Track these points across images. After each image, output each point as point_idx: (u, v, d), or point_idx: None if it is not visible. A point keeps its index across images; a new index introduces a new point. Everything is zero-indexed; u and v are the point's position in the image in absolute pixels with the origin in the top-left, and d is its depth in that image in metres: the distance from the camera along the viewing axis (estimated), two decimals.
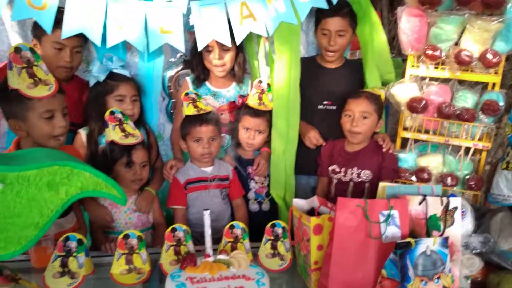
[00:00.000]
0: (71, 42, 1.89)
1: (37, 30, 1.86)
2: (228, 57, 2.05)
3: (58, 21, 1.77)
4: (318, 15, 2.09)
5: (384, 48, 2.14)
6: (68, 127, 1.66)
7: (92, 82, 1.95)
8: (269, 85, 2.07)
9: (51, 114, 1.58)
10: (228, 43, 1.92)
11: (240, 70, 2.15)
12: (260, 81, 2.07)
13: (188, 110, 1.93)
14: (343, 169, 2.06)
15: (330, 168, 2.10)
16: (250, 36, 2.08)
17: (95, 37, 1.81)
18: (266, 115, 2.06)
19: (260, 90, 2.06)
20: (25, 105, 1.53)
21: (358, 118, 1.96)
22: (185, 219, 1.95)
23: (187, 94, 1.96)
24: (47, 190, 1.16)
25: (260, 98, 2.05)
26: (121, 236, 1.46)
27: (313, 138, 2.10)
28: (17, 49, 1.50)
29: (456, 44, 1.90)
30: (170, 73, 2.25)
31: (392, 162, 2.03)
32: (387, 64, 2.18)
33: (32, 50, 1.54)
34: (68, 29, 1.78)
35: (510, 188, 1.72)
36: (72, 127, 1.79)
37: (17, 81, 1.50)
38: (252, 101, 2.05)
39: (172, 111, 2.27)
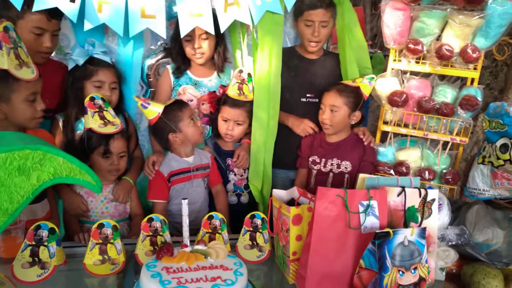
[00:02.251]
0: (52, 26, 1.81)
1: (10, 11, 1.71)
2: (207, 45, 2.03)
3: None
4: (301, 7, 2.07)
5: (362, 42, 2.16)
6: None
7: (70, 66, 1.88)
8: (249, 75, 2.04)
9: (35, 97, 1.54)
10: (212, 31, 1.87)
11: (220, 59, 2.13)
12: (241, 71, 2.03)
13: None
14: (323, 160, 2.07)
15: (310, 159, 2.10)
16: (234, 25, 2.05)
17: (72, 14, 1.67)
18: (246, 106, 2.03)
19: (240, 80, 2.02)
20: (11, 86, 1.47)
21: (327, 111, 2.00)
22: (165, 213, 1.88)
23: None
24: (18, 175, 1.10)
25: (240, 89, 2.02)
26: (95, 225, 1.42)
27: (309, 126, 2.11)
28: (6, 28, 1.42)
29: (438, 40, 1.92)
30: (150, 61, 2.19)
31: (372, 156, 2.05)
32: (365, 59, 2.19)
33: (15, 30, 1.47)
34: (41, 2, 1.64)
35: (485, 182, 1.75)
36: (48, 113, 1.71)
37: (7, 61, 1.43)
38: (232, 91, 2.02)
39: None
